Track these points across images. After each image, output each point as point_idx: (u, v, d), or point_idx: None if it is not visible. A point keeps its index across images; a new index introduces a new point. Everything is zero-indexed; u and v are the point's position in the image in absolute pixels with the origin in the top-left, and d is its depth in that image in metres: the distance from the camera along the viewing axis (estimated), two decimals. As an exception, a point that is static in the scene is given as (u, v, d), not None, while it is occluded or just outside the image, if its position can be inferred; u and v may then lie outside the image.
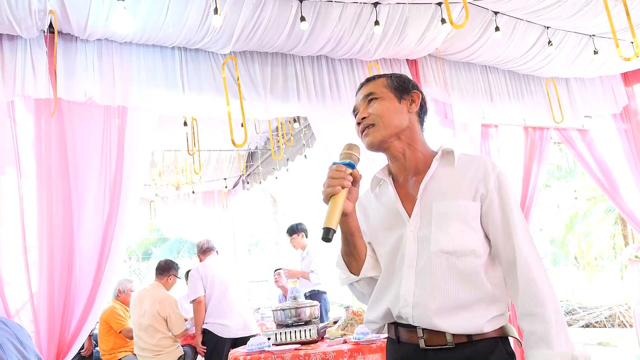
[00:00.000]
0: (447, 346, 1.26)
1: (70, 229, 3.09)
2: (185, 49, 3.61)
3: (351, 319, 2.91)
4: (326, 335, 2.94)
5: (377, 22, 3.54)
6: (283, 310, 3.00)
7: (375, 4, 3.53)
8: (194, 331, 4.54)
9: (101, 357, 4.70)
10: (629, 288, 5.88)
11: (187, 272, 4.49)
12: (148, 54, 3.49)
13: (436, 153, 1.41)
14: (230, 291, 4.30)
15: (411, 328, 1.30)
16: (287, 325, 2.96)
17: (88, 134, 3.27)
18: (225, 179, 7.41)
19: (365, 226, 1.47)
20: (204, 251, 4.49)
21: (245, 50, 3.75)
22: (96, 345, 5.51)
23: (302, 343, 2.81)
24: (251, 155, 7.22)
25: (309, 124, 4.28)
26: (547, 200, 11.66)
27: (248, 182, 7.44)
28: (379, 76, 1.47)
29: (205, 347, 4.18)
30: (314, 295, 5.08)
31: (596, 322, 8.22)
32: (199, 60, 3.64)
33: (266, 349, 2.73)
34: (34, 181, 3.09)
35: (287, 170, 6.47)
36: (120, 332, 4.52)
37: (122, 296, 4.75)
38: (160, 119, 3.69)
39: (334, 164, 1.31)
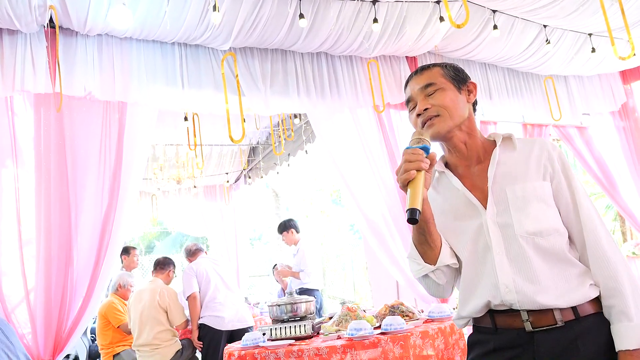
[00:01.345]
0: (556, 325, 1.25)
1: (68, 223, 3.13)
2: (185, 45, 3.63)
3: (346, 315, 2.94)
4: (321, 331, 2.98)
5: (375, 20, 3.55)
6: (279, 305, 3.03)
7: (374, 2, 3.54)
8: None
9: (100, 352, 4.75)
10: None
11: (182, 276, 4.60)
12: (148, 49, 3.51)
13: (491, 140, 1.43)
14: (224, 285, 4.41)
15: (512, 313, 1.29)
16: (283, 321, 2.99)
17: (87, 129, 3.29)
18: (227, 173, 7.45)
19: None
20: (193, 253, 4.61)
21: (245, 46, 3.76)
22: (94, 340, 5.58)
23: (297, 339, 2.84)
24: (253, 150, 7.25)
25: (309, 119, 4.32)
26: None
27: (250, 177, 7.48)
28: (433, 65, 1.43)
29: (201, 342, 4.26)
30: (303, 293, 5.14)
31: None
32: (199, 56, 3.66)
33: (261, 344, 2.77)
34: (32, 175, 3.12)
35: (289, 165, 6.51)
36: (118, 327, 4.57)
37: (121, 291, 4.79)
38: (162, 113, 3.72)
39: (408, 148, 1.25)
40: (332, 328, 2.89)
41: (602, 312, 1.29)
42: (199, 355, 4.57)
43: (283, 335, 2.86)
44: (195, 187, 7.08)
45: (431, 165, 1.25)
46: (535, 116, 5.04)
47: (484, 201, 1.35)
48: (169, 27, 3.28)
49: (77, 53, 3.27)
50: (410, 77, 1.45)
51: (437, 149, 1.50)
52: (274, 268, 6.07)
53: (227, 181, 7.45)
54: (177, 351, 4.29)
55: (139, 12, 3.15)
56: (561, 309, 1.26)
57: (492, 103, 4.70)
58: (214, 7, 3.01)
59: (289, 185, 11.82)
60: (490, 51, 4.38)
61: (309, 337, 2.88)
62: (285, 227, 5.60)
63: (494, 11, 3.85)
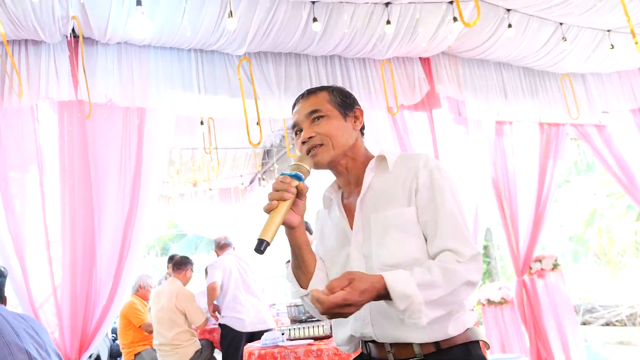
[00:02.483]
0: (415, 358, 1.23)
1: (91, 226, 3.21)
2: (200, 51, 3.69)
3: (363, 315, 2.97)
4: (339, 331, 3.00)
5: (388, 22, 3.57)
6: (297, 306, 3.07)
7: (387, 4, 3.57)
8: (211, 324, 4.67)
9: (121, 351, 4.85)
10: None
11: (207, 268, 4.65)
12: (165, 56, 3.59)
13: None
14: (246, 286, 4.43)
15: (380, 344, 1.29)
16: (301, 321, 3.03)
17: (108, 135, 3.38)
18: (241, 175, 7.53)
19: (320, 245, 1.46)
20: (221, 247, 4.63)
21: (259, 51, 3.82)
22: (115, 340, 5.68)
23: (315, 338, 2.87)
24: (267, 153, 7.31)
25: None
26: (567, 196, 11.49)
27: (264, 179, 7.55)
28: (320, 89, 1.40)
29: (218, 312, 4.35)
30: None
31: (617, 321, 8.09)
32: (214, 62, 3.72)
33: (280, 343, 2.81)
34: (57, 179, 3.21)
35: (302, 167, 6.54)
36: (139, 327, 4.66)
37: (141, 291, 4.89)
38: (178, 118, 3.79)
39: (281, 174, 1.25)
40: (350, 328, 2.91)
41: (466, 343, 1.25)
42: (217, 355, 4.63)
43: (302, 335, 2.90)
44: (210, 189, 7.16)
45: (301, 194, 1.25)
46: (552, 115, 5.00)
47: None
48: (188, 34, 3.35)
49: (98, 61, 3.35)
50: (297, 100, 1.41)
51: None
52: (287, 263, 6.11)
53: (242, 183, 7.53)
54: (197, 351, 4.35)
55: (157, 20, 3.22)
56: (421, 344, 1.23)
57: (508, 102, 4.68)
58: (230, 14, 3.06)
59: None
60: (505, 50, 4.37)
61: (328, 337, 2.91)
62: None
63: (508, 10, 3.84)
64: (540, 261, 4.85)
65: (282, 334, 2.93)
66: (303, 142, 1.35)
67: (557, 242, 11.06)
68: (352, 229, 1.34)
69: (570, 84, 4.85)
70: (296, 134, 1.39)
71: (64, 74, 3.22)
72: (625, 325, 7.90)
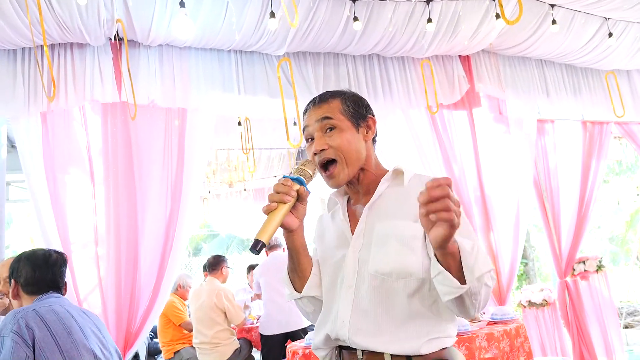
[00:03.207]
0: None
1: (134, 225, 3.27)
2: (240, 52, 3.72)
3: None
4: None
5: (429, 20, 3.52)
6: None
7: (428, 2, 3.52)
8: (249, 324, 4.69)
9: (161, 349, 4.93)
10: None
11: (249, 267, 4.64)
12: (206, 57, 3.62)
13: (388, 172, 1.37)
14: (275, 288, 4.34)
15: (352, 351, 1.28)
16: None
17: (151, 135, 3.44)
18: (275, 176, 7.54)
19: (319, 246, 1.46)
20: (271, 247, 4.61)
21: (298, 51, 3.82)
22: (152, 338, 5.79)
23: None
24: (301, 153, 7.32)
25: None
26: (606, 197, 11.15)
27: (298, 179, 7.54)
28: (332, 97, 1.38)
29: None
30: None
31: (660, 325, 7.81)
32: (254, 63, 3.74)
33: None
34: (101, 180, 3.28)
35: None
36: (179, 325, 4.73)
37: (180, 291, 4.96)
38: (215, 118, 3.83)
39: (284, 177, 1.27)
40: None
41: None
42: (255, 354, 4.65)
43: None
44: (245, 190, 7.21)
45: (301, 198, 1.26)
46: (596, 113, 4.85)
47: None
48: (236, 37, 3.36)
49: (140, 63, 3.40)
50: (309, 106, 1.39)
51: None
52: None
53: (276, 184, 7.53)
54: (236, 349, 4.39)
55: (199, 21, 3.25)
56: (392, 355, 1.21)
57: (550, 101, 4.56)
58: (272, 14, 3.07)
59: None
60: (548, 47, 4.25)
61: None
62: None
63: (553, 5, 3.74)
64: (584, 262, 4.71)
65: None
66: (315, 154, 1.33)
67: (595, 244, 10.76)
68: (353, 233, 1.33)
69: (616, 81, 4.69)
70: (307, 141, 1.38)
71: (107, 76, 3.28)
72: (669, 330, 7.60)
